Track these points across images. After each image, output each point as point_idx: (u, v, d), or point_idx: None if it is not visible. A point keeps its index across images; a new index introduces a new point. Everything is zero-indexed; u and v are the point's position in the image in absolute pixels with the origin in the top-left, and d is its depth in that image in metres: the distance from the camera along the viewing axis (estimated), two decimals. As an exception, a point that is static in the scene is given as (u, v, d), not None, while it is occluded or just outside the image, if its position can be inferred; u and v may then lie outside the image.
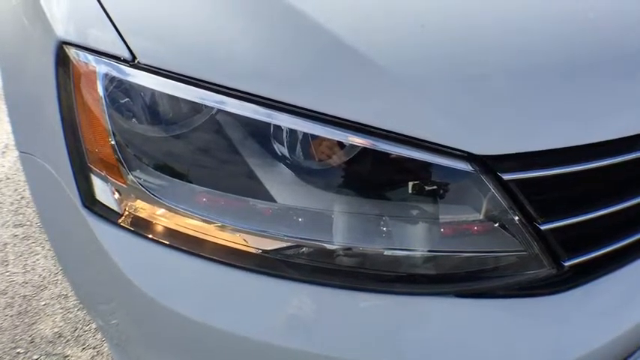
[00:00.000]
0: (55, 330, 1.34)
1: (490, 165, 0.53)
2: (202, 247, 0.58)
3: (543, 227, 0.55)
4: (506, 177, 0.53)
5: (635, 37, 0.65)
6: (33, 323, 1.36)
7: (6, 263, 1.54)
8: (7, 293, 1.44)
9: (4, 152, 2.05)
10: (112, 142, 0.60)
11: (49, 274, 1.49)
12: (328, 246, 0.57)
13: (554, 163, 0.55)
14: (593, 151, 0.58)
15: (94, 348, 1.29)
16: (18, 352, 1.29)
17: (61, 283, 1.46)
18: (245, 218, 0.58)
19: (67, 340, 1.31)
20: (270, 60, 0.56)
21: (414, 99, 0.54)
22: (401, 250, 0.56)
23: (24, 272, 1.51)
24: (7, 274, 1.51)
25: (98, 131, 0.61)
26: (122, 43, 0.59)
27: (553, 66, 0.59)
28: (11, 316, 1.38)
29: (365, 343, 0.56)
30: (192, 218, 0.58)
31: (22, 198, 1.80)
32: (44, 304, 1.41)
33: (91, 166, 0.62)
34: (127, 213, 0.61)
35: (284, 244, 0.57)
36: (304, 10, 0.58)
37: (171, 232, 0.59)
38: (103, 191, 0.62)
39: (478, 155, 0.53)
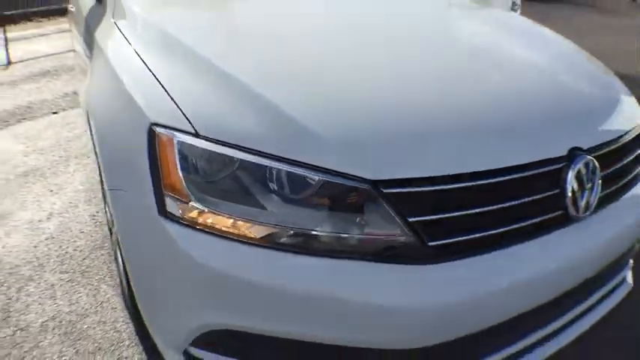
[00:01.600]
0: (96, 345, 1.73)
1: (378, 185, 1.02)
2: (225, 235, 1.05)
3: (410, 220, 1.02)
4: (386, 191, 1.01)
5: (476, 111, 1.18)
6: (77, 340, 1.75)
7: (54, 298, 1.96)
8: (55, 318, 1.85)
9: (49, 218, 2.51)
10: (182, 180, 1.08)
11: (91, 307, 1.90)
12: (304, 231, 1.04)
13: (417, 184, 1.04)
14: (446, 178, 1.06)
15: (125, 357, 1.68)
16: (66, 360, 1.67)
17: (100, 313, 1.87)
18: (255, 218, 1.05)
19: (105, 352, 1.70)
20: (270, 133, 1.07)
21: (340, 152, 1.04)
22: (335, 234, 1.03)
23: (69, 304, 1.92)
24: (55, 305, 1.92)
25: (173, 174, 1.09)
26: (189, 123, 1.10)
27: (421, 128, 1.10)
28: (59, 334, 1.77)
29: (321, 282, 1.01)
30: (227, 218, 1.05)
31: (66, 253, 2.24)
32: (86, 327, 1.81)
33: (166, 192, 1.10)
34: (186, 216, 1.08)
35: (278, 230, 1.04)
36: (289, 110, 1.10)
37: (214, 227, 1.06)
38: (171, 206, 1.09)
39: (371, 180, 1.02)
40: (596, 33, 13.31)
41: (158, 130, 1.13)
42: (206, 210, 1.07)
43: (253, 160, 1.05)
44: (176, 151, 1.09)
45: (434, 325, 1.04)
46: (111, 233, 2.04)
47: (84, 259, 2.19)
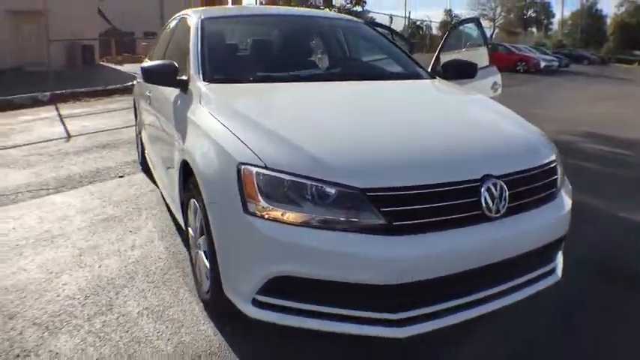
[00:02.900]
0: (180, 323, 2.48)
1: (364, 191, 1.84)
2: (280, 220, 1.87)
3: (382, 209, 1.82)
4: (368, 194, 1.83)
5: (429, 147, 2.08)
6: (166, 320, 2.50)
7: (145, 297, 2.73)
8: (148, 308, 2.60)
9: (132, 249, 3.33)
10: (257, 192, 1.91)
11: (173, 302, 2.67)
12: (324, 218, 1.85)
13: (387, 190, 1.85)
14: (404, 187, 1.87)
15: (203, 330, 2.42)
16: (164, 336, 2.42)
17: (180, 306, 2.63)
18: (297, 211, 1.87)
19: (187, 326, 2.44)
20: (304, 164, 1.91)
21: (343, 173, 1.87)
22: (341, 219, 1.84)
23: (157, 300, 2.69)
24: (146, 301, 2.68)
25: (252, 189, 1.92)
26: (260, 161, 1.94)
27: (391, 159, 1.99)
28: (152, 317, 2.52)
29: (334, 245, 1.81)
30: (281, 212, 1.87)
31: (149, 270, 3.02)
32: (172, 313, 2.56)
33: (248, 199, 1.92)
34: (258, 212, 1.90)
35: (309, 218, 1.86)
36: (314, 151, 1.96)
37: (274, 217, 1.88)
38: (250, 207, 1.92)
39: (360, 188, 1.84)
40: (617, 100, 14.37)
41: (243, 166, 1.97)
42: (269, 208, 1.89)
43: (295, 180, 1.88)
44: (254, 177, 1.93)
45: (397, 270, 1.83)
46: (188, 249, 2.84)
47: (164, 274, 2.98)
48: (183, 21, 3.93)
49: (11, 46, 17.18)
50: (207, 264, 2.32)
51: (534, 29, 70.21)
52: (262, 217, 1.90)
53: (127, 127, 7.61)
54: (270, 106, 2.60)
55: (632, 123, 9.88)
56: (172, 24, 4.43)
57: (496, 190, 2.00)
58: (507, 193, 2.03)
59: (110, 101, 11.35)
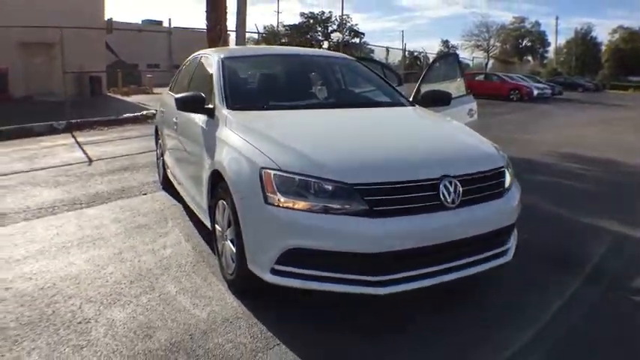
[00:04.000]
0: (210, 297, 3.14)
1: (352, 185, 2.54)
2: (291, 208, 2.58)
3: (366, 198, 2.52)
4: (356, 187, 2.53)
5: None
6: (199, 297, 3.16)
7: (179, 282, 3.38)
8: (183, 289, 3.26)
9: (164, 248, 3.99)
10: (275, 188, 2.61)
11: (203, 284, 3.32)
12: (324, 205, 2.56)
13: (369, 184, 2.56)
14: (382, 183, 2.58)
15: (229, 302, 3.08)
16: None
17: (209, 287, 3.29)
18: (303, 201, 2.58)
19: (217, 300, 3.10)
20: (307, 166, 2.63)
21: (337, 172, 2.58)
22: (336, 206, 2.55)
23: (190, 284, 3.34)
24: (180, 284, 3.33)
25: (270, 186, 2.63)
26: (276, 165, 2.65)
27: (372, 162, 2.74)
28: (188, 295, 3.17)
29: (331, 224, 2.52)
30: (292, 202, 2.57)
31: (181, 263, 3.67)
32: (203, 292, 3.21)
33: (267, 194, 2.62)
34: (275, 203, 2.60)
35: (312, 205, 2.57)
36: (314, 156, 2.69)
37: (287, 205, 2.58)
38: (270, 199, 2.62)
39: (350, 183, 2.55)
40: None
41: (264, 170, 2.68)
42: (283, 199, 2.58)
43: (302, 178, 2.58)
44: (272, 177, 2.63)
45: (376, 242, 2.51)
46: (213, 246, 3.52)
47: (194, 265, 3.64)
48: (203, 59, 4.70)
49: (22, 77, 18.03)
50: (233, 249, 3.00)
51: (530, 58, 71.71)
52: (279, 206, 2.59)
53: (143, 152, 8.32)
54: (281, 127, 3.33)
55: (605, 144, 10.63)
56: (192, 61, 5.20)
57: (451, 186, 2.69)
58: (461, 189, 2.72)
59: (123, 130, 12.05)
